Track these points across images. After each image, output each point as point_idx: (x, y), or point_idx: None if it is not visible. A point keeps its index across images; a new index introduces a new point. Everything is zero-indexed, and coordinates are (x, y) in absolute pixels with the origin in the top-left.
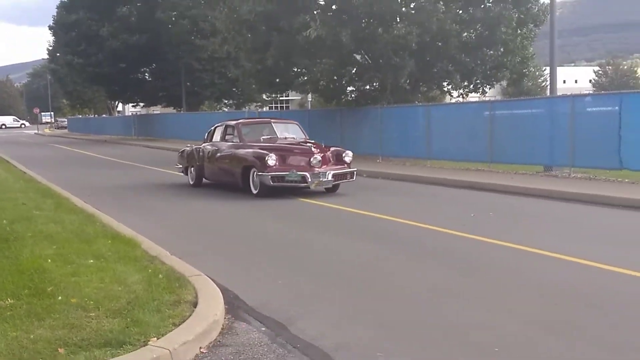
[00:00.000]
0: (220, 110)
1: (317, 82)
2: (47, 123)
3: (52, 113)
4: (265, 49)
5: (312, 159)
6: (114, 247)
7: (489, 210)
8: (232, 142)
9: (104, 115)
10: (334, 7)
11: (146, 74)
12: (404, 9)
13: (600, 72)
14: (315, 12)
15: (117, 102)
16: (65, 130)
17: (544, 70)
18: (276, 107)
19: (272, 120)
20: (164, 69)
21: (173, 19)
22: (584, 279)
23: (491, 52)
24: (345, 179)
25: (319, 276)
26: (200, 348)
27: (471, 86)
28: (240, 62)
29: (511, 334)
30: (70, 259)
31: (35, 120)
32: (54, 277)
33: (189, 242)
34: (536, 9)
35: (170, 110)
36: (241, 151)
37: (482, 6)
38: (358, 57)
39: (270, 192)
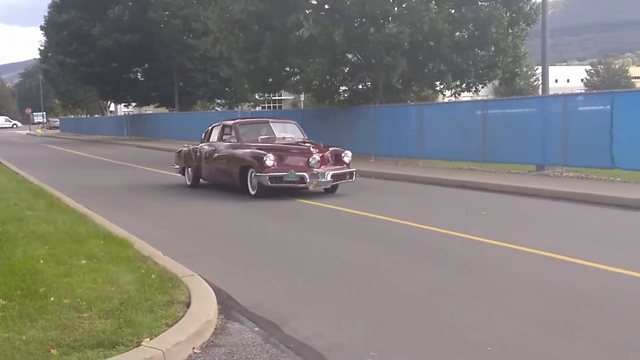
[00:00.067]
0: (212, 110)
1: (310, 82)
2: (39, 123)
3: (44, 113)
4: (257, 48)
5: (310, 159)
6: (107, 247)
7: (483, 209)
8: (230, 142)
9: (96, 116)
10: (326, 6)
11: (138, 74)
12: (396, 8)
13: (592, 71)
14: (307, 12)
15: (109, 102)
16: (58, 131)
17: (536, 69)
18: (269, 107)
19: (270, 120)
20: (156, 68)
21: (165, 18)
22: (579, 278)
23: (482, 52)
24: (345, 179)
25: (315, 276)
26: (194, 348)
27: (463, 85)
28: (233, 62)
29: (508, 334)
30: (62, 259)
31: (27, 121)
32: (46, 277)
33: (187, 242)
34: (528, 8)
35: (163, 110)
36: (239, 151)
37: (475, 6)
38: (350, 56)
39: (268, 192)
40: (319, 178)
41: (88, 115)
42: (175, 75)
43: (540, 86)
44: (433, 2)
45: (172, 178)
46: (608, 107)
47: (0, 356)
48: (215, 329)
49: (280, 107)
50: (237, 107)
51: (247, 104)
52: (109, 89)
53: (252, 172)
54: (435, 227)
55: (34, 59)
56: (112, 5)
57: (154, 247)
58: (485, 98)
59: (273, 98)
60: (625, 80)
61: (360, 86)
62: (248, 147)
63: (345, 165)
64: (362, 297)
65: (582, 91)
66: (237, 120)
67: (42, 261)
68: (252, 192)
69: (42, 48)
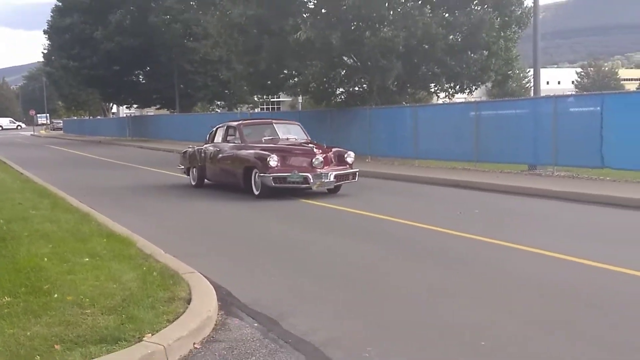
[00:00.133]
0: (212, 112)
1: (308, 85)
2: (42, 124)
3: (48, 115)
4: (256, 51)
5: (314, 160)
6: (109, 245)
7: (477, 208)
8: (234, 143)
9: (98, 117)
10: (323, 10)
11: (140, 76)
12: (391, 11)
13: (582, 73)
14: (305, 15)
15: (111, 104)
16: (61, 132)
17: (528, 71)
18: (267, 109)
19: (273, 121)
20: (157, 71)
21: (166, 22)
22: (576, 276)
23: (475, 56)
24: (348, 179)
25: (315, 275)
26: (194, 344)
27: (457, 87)
28: (232, 65)
29: (508, 334)
30: (66, 257)
31: (31, 122)
32: (50, 275)
33: (192, 242)
34: (520, 12)
35: (164, 111)
36: (243, 152)
37: (467, 9)
38: (347, 59)
39: (271, 193)
40: (322, 178)
41: (91, 117)
42: (176, 78)
43: (532, 88)
44: (428, 6)
45: (175, 178)
46: (598, 108)
47: (6, 351)
48: (215, 324)
49: (278, 108)
50: (236, 109)
51: (246, 105)
52: (111, 91)
53: (256, 172)
54: (434, 226)
55: (38, 62)
56: (113, 9)
57: (156, 246)
58: (478, 100)
59: (271, 100)
60: (614, 82)
61: (356, 88)
62: (252, 148)
63: (348, 166)
64: (362, 295)
65: (573, 93)
66: (241, 122)
67: (46, 259)
68: (256, 193)
69: (45, 51)
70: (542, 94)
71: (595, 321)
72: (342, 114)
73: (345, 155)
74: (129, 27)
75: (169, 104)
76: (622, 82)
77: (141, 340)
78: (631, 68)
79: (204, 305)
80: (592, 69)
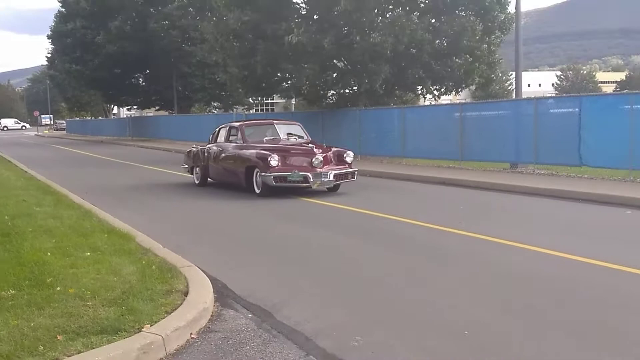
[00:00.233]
0: (209, 113)
1: (301, 87)
2: (46, 125)
3: (51, 115)
4: (251, 55)
5: (313, 160)
6: (110, 240)
7: (475, 205)
8: (236, 143)
9: (100, 118)
10: (315, 16)
11: (140, 79)
12: (380, 18)
13: (561, 76)
14: (297, 20)
15: (112, 106)
16: (64, 132)
17: (510, 74)
18: (262, 110)
19: (274, 121)
20: (156, 74)
21: (165, 28)
22: (553, 267)
23: (460, 60)
24: (347, 178)
25: (312, 269)
26: (191, 334)
27: (442, 89)
28: (228, 68)
29: (489, 321)
30: (68, 251)
31: (35, 123)
32: (53, 269)
33: (192, 238)
34: (503, 18)
35: (163, 112)
36: (244, 152)
37: (452, 15)
38: (338, 63)
39: (272, 191)
40: (321, 178)
41: (93, 118)
42: (175, 80)
43: (514, 90)
44: (416, 13)
45: (175, 176)
46: (576, 109)
47: (10, 341)
48: (211, 315)
49: (272, 110)
50: (232, 110)
51: (242, 107)
52: (113, 93)
53: (257, 171)
54: (426, 223)
55: (42, 65)
56: (114, 15)
57: (155, 241)
58: (463, 101)
59: (266, 101)
60: (592, 85)
61: (346, 90)
62: (253, 147)
63: (347, 165)
64: (353, 288)
65: (553, 95)
66: (243, 122)
67: (49, 253)
68: (257, 191)
69: (49, 55)
70: (524, 96)
71: (560, 307)
72: (333, 115)
73: (345, 155)
74: (129, 33)
75: (168, 105)
76: (599, 84)
77: (140, 331)
78: (608, 71)
79: (201, 297)
80: (571, 72)
